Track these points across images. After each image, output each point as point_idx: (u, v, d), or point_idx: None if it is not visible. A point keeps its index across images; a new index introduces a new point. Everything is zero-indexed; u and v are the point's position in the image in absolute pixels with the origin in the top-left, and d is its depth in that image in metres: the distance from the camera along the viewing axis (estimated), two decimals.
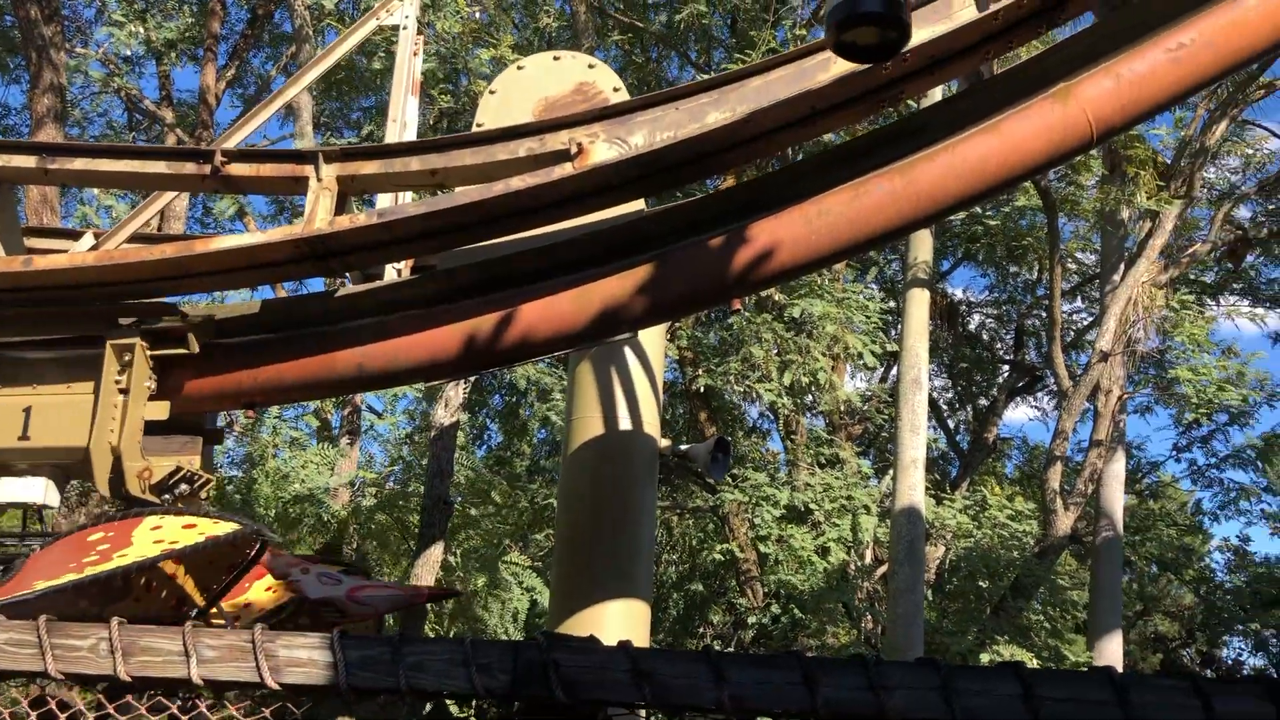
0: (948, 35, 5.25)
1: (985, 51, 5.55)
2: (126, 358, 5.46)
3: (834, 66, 5.36)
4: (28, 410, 5.57)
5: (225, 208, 21.75)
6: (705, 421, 19.41)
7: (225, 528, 4.79)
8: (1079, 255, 23.24)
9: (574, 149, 5.28)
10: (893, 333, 20.08)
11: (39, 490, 5.60)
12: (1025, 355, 23.91)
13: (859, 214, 5.58)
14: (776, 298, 16.16)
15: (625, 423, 8.21)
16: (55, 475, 5.66)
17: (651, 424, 8.41)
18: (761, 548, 16.85)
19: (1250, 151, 19.56)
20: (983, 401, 24.99)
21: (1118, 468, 18.20)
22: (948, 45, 5.30)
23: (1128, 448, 21.81)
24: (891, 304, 20.46)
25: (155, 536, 4.79)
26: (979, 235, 20.56)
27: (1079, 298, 24.09)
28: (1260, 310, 21.34)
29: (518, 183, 5.26)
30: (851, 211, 5.57)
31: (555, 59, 6.42)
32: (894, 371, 19.38)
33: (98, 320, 5.64)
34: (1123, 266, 17.53)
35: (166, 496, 5.47)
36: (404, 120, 6.59)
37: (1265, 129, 19.59)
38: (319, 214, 5.42)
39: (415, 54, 6.86)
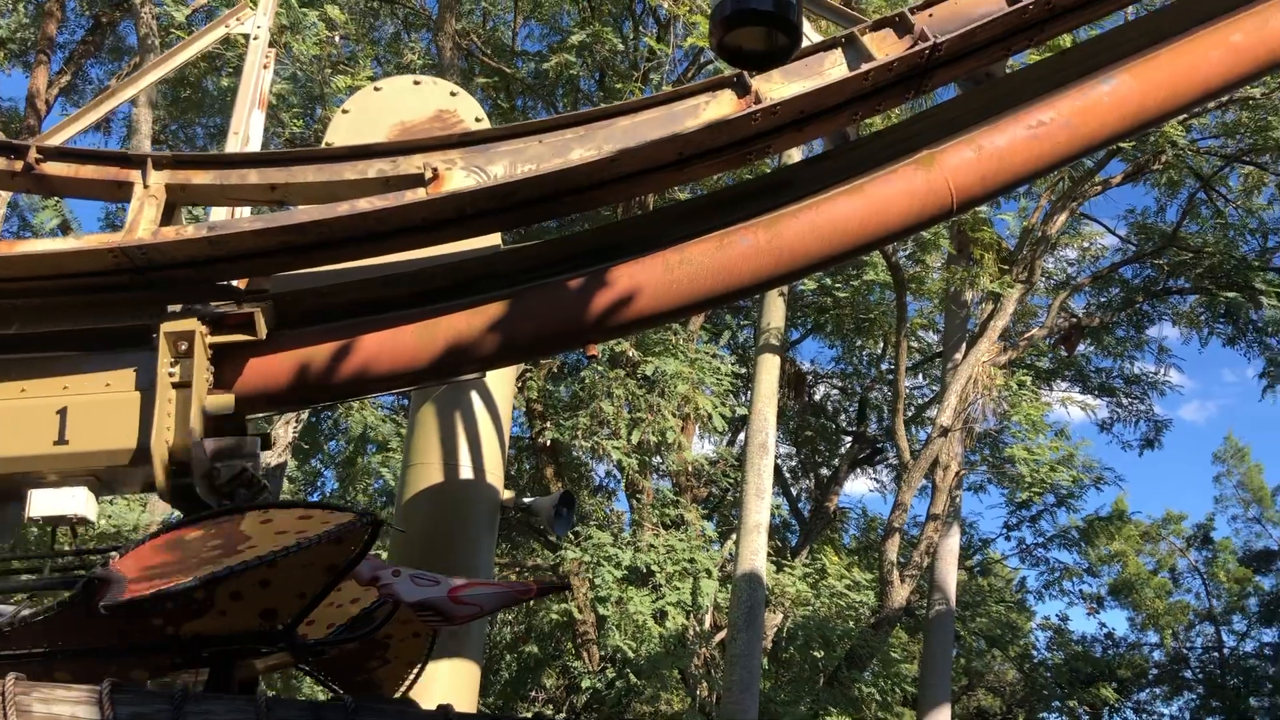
0: (817, 91, 5.19)
1: (854, 112, 5.52)
2: (183, 346, 4.87)
3: (704, 113, 5.24)
4: (62, 413, 4.89)
5: (46, 220, 19.71)
6: (551, 477, 19.04)
7: (346, 515, 4.25)
8: (923, 334, 23.96)
9: (429, 174, 4.99)
10: (742, 397, 20.18)
11: (80, 501, 4.93)
12: (868, 427, 24.40)
13: (721, 265, 5.44)
14: (630, 354, 16.04)
15: (466, 471, 7.84)
16: (93, 484, 5.00)
17: (495, 474, 8.06)
18: (600, 609, 16.51)
19: (1087, 245, 20.58)
20: (825, 471, 25.35)
21: (952, 542, 18.59)
22: (817, 101, 5.24)
23: (962, 523, 22.38)
24: (743, 370, 20.61)
25: (275, 529, 4.26)
26: (829, 307, 20.95)
27: (921, 374, 24.80)
28: (1090, 399, 22.35)
29: (365, 205, 4.93)
30: (714, 262, 5.43)
31: (415, 83, 6.13)
32: (741, 436, 19.45)
33: (134, 307, 5.02)
34: (964, 346, 18.07)
35: (225, 503, 4.84)
36: (246, 134, 6.18)
37: (1101, 224, 20.64)
38: (142, 223, 4.96)
39: (266, 67, 6.47)
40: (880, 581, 18.05)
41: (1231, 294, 18.31)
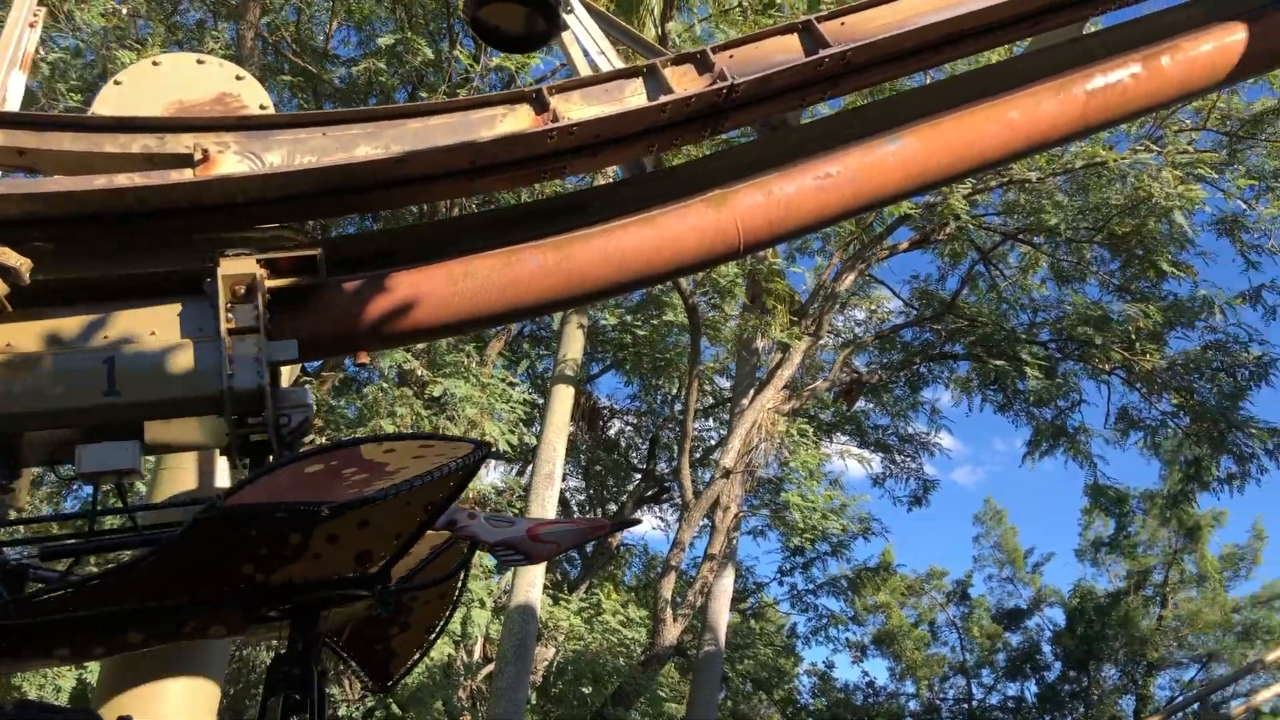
0: (616, 117, 5.17)
1: (650, 143, 5.52)
2: (241, 290, 4.64)
3: (500, 125, 5.13)
4: (109, 362, 4.54)
5: None
6: None
7: (465, 446, 4.08)
8: (716, 378, 24.48)
9: (198, 155, 4.67)
10: (535, 427, 20.04)
11: (130, 455, 4.58)
12: (657, 466, 24.68)
13: (508, 282, 5.32)
14: (420, 372, 15.67)
15: (224, 477, 7.38)
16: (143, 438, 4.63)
17: None
18: None
19: (874, 308, 21.57)
20: (612, 506, 25.46)
21: (726, 583, 18.93)
22: (614, 127, 5.22)
23: (738, 566, 22.87)
24: (539, 400, 20.50)
25: (402, 458, 4.08)
26: (628, 344, 21.14)
27: (711, 418, 25.30)
28: (866, 453, 23.32)
29: (124, 180, 4.57)
30: (500, 278, 5.30)
31: (199, 62, 5.76)
32: (530, 468, 19.28)
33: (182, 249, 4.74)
34: (752, 392, 18.55)
35: (287, 453, 4.62)
36: (4, 95, 5.65)
37: (887, 287, 21.67)
38: None
39: (33, 25, 5.95)
40: (653, 619, 18.17)
41: (1000, 363, 19.49)
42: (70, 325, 4.67)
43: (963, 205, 16.73)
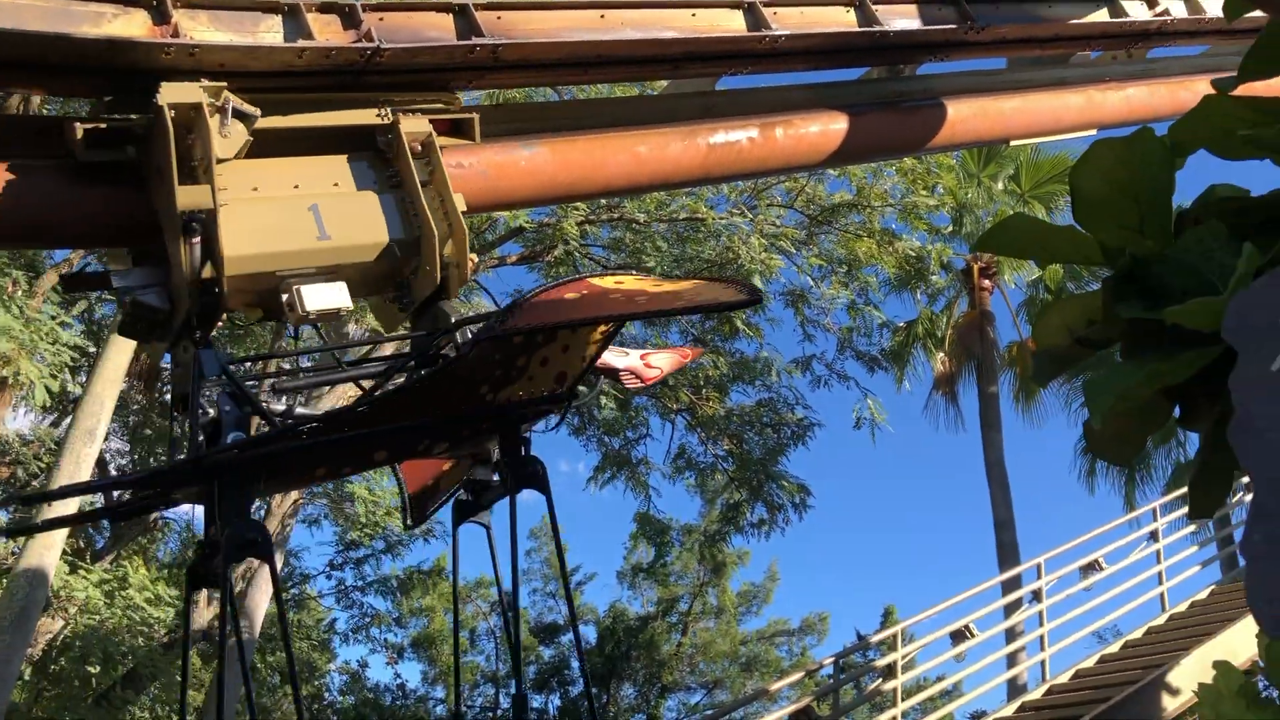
0: (243, 49, 4.79)
1: (278, 89, 5.16)
2: (418, 147, 5.13)
3: (107, 25, 4.56)
4: (314, 209, 4.84)
5: None
6: None
7: (730, 290, 4.86)
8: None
9: None
10: (82, 378, 18.09)
11: (344, 295, 4.86)
12: None
13: None
14: None
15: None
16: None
17: None
18: None
19: (473, 314, 21.61)
20: None
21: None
22: (240, 60, 4.81)
23: (288, 554, 21.91)
24: (93, 349, 18.54)
25: (651, 286, 4.72)
26: None
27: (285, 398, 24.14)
28: None
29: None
30: None
31: None
32: (68, 421, 17.34)
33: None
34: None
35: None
36: None
37: (490, 298, 21.69)
38: None
39: None
40: (186, 600, 16.92)
41: (584, 389, 20.21)
42: (274, 173, 4.86)
43: (575, 231, 17.25)
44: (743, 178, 7.54)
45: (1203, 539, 16.44)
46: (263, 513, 17.33)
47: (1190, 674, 11.40)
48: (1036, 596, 14.38)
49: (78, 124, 4.59)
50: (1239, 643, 11.91)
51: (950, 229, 23.52)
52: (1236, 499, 15.02)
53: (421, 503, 5.98)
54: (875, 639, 16.18)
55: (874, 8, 6.78)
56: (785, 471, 22.36)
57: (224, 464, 4.38)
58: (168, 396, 22.15)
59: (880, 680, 13.59)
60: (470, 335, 4.74)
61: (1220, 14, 5.85)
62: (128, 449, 23.97)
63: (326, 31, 5.00)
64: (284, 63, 4.88)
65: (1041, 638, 13.92)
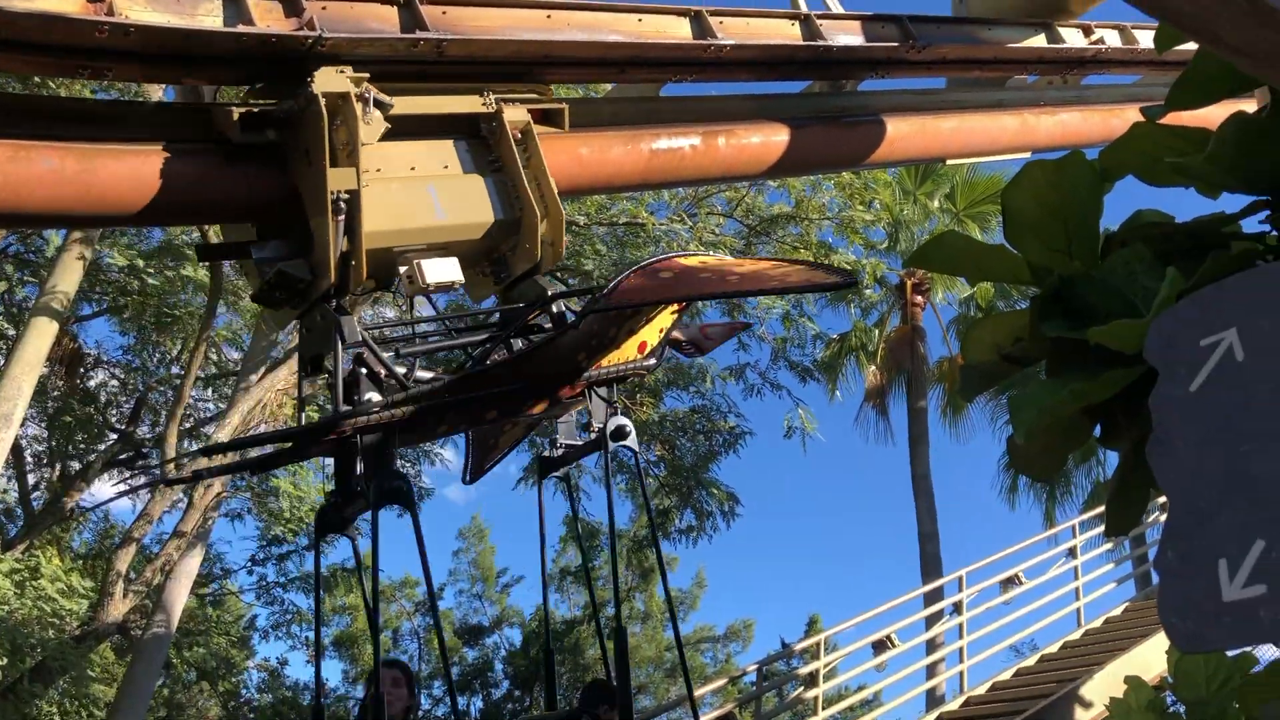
0: (182, 32, 4.69)
1: (217, 73, 5.06)
2: (518, 134, 5.53)
3: None
4: (431, 189, 5.29)
5: None
6: None
7: (831, 274, 5.52)
8: (226, 348, 23.01)
9: None
10: None
11: (458, 269, 5.30)
12: (138, 429, 22.63)
13: (8, 179, 4.59)
14: None
15: None
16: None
17: None
18: None
19: (405, 308, 21.39)
20: (76, 464, 22.92)
21: (192, 565, 17.68)
22: (178, 44, 4.73)
23: (208, 549, 21.49)
24: (11, 330, 18.05)
25: (734, 265, 5.31)
26: (134, 290, 19.26)
27: (211, 389, 23.71)
28: None
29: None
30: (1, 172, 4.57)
31: None
32: None
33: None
34: (264, 369, 17.62)
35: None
36: None
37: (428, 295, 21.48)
38: None
39: None
40: (100, 593, 16.52)
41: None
42: (393, 155, 5.26)
43: None
44: (683, 184, 7.58)
45: (1119, 556, 16.82)
46: (184, 506, 17.00)
47: (1103, 688, 11.65)
48: (957, 609, 14.60)
49: (234, 109, 5.02)
50: (1151, 658, 12.21)
51: (886, 244, 23.83)
52: (1152, 518, 15.43)
53: (480, 460, 6.56)
54: (799, 647, 16.32)
55: (819, 23, 6.85)
56: (716, 480, 22.47)
57: (371, 419, 4.93)
58: (90, 383, 21.37)
59: (802, 688, 13.71)
60: (562, 308, 5.44)
61: (1153, 45, 6.01)
62: (45, 435, 23.36)
63: (268, 17, 4.93)
64: (222, 49, 4.80)
65: (961, 649, 14.13)
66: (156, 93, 9.92)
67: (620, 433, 5.75)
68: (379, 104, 5.06)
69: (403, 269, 5.20)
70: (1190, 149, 2.05)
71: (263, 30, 4.82)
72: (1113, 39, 8.24)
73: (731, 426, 22.19)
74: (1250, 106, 2.00)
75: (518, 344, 5.52)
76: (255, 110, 5.04)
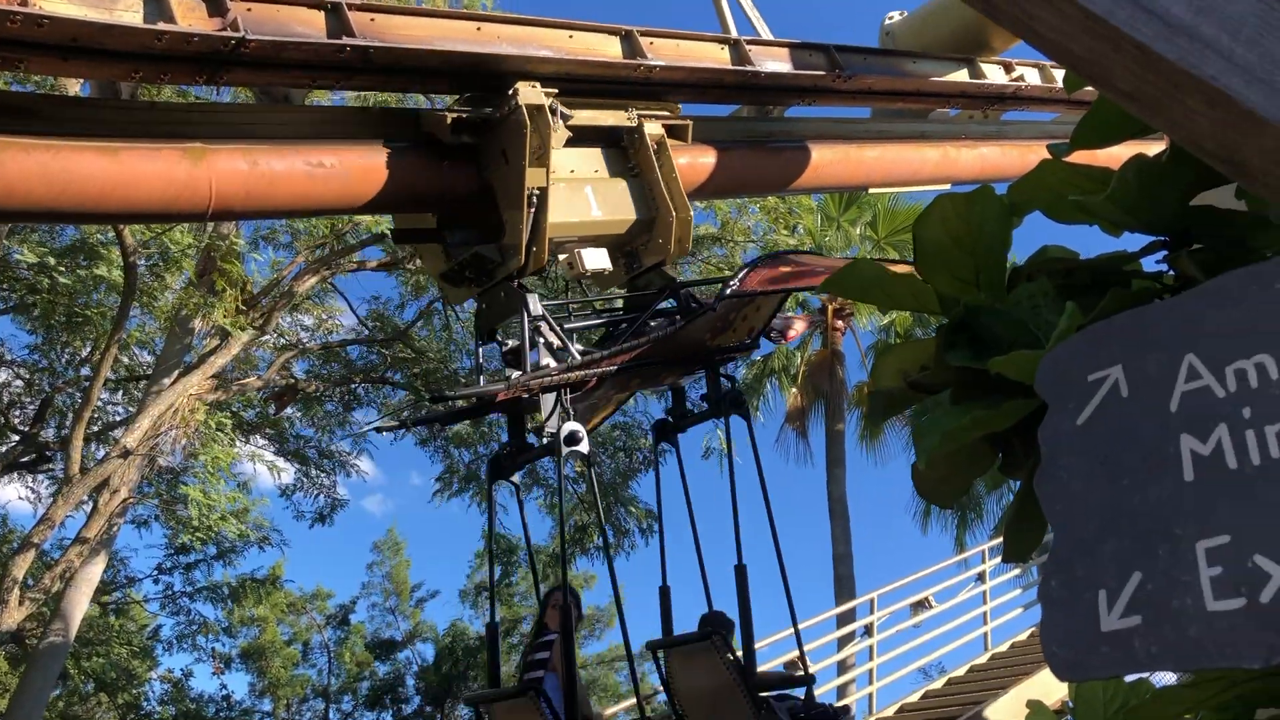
0: (99, 26, 4.58)
1: (135, 69, 4.95)
2: (655, 146, 6.52)
3: None
4: (588, 190, 6.28)
5: None
6: None
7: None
8: (138, 350, 22.43)
9: None
10: None
11: (607, 258, 6.44)
12: (43, 431, 21.94)
13: None
14: None
15: None
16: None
17: None
18: None
19: (327, 317, 21.09)
20: None
21: (94, 572, 17.17)
22: (95, 37, 4.64)
23: (112, 555, 20.89)
24: None
25: (843, 263, 5.25)
26: (44, 288, 18.69)
27: (121, 391, 23.08)
28: (280, 461, 22.51)
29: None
30: None
31: None
32: None
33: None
34: (177, 373, 17.21)
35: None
36: None
37: (346, 301, 21.29)
38: None
39: None
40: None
41: (432, 404, 19.89)
42: (559, 160, 6.14)
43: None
44: None
45: (1026, 582, 17.17)
46: (88, 511, 16.50)
47: (1007, 711, 11.88)
48: (868, 631, 14.77)
49: (448, 114, 5.96)
50: (1052, 684, 12.46)
51: None
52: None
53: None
54: None
55: (748, 48, 6.94)
56: (635, 496, 22.47)
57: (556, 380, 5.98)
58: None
59: None
60: (689, 294, 6.62)
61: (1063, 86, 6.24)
62: None
63: (190, 16, 4.85)
64: (141, 45, 4.71)
65: (871, 671, 14.29)
66: (74, 86, 9.67)
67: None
68: (564, 115, 6.00)
69: (562, 256, 6.23)
70: (1094, 188, 2.10)
71: (183, 29, 4.73)
72: (1032, 76, 8.46)
73: (652, 444, 22.20)
74: (1157, 147, 2.07)
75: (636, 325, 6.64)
76: (464, 116, 5.92)
